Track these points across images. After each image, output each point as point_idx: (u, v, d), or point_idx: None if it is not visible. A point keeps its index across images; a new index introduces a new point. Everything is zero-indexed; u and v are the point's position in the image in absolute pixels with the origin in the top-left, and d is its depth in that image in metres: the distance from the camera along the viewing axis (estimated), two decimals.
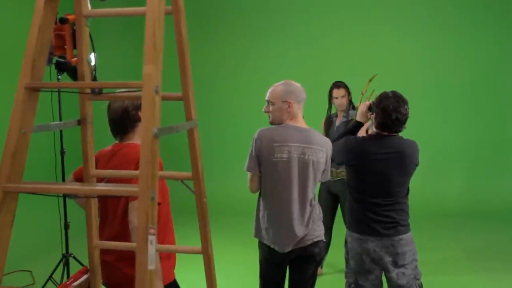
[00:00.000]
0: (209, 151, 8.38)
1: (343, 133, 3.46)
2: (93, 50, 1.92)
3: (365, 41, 7.94)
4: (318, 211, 3.19)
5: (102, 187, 1.65)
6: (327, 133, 4.81)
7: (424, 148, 7.74)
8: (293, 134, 3.04)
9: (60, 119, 4.25)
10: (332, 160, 3.25)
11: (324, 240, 3.23)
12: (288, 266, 3.27)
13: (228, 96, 8.41)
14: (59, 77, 4.05)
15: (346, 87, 4.72)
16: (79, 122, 1.89)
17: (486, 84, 7.85)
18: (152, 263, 1.38)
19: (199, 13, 8.30)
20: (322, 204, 4.94)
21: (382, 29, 7.94)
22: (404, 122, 3.18)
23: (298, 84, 3.18)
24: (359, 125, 3.43)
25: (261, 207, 3.17)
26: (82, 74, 1.84)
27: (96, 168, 2.44)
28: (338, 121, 4.77)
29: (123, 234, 2.27)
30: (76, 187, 1.67)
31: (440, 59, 7.87)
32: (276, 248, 3.10)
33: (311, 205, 3.12)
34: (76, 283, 2.20)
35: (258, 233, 3.22)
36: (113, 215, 2.40)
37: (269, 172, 3.06)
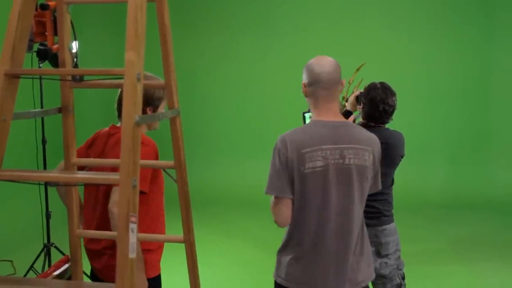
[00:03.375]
0: (194, 140, 8.36)
1: None
2: (75, 38, 1.90)
3: (352, 31, 7.94)
4: (366, 239, 2.37)
5: (82, 175, 1.64)
6: None
7: (408, 139, 7.84)
8: (324, 133, 2.23)
9: (42, 107, 4.21)
10: None
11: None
12: None
13: (211, 85, 8.38)
14: (41, 64, 3.99)
15: None
16: (60, 110, 1.87)
17: (470, 77, 7.89)
18: (133, 251, 1.38)
19: (183, 2, 8.24)
20: None
21: (370, 19, 7.94)
22: (392, 113, 3.19)
23: (318, 58, 2.33)
24: (349, 114, 3.41)
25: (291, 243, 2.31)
26: (63, 61, 1.82)
27: (93, 149, 2.43)
28: None
29: (106, 222, 2.25)
30: (56, 174, 1.65)
31: (426, 51, 7.89)
32: None
33: (359, 234, 2.29)
34: (56, 272, 2.20)
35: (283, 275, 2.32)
36: (94, 203, 2.38)
37: (303, 188, 2.21)
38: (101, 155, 2.35)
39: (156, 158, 2.27)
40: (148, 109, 2.36)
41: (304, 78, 2.30)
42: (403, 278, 3.36)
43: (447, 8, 7.84)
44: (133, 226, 1.37)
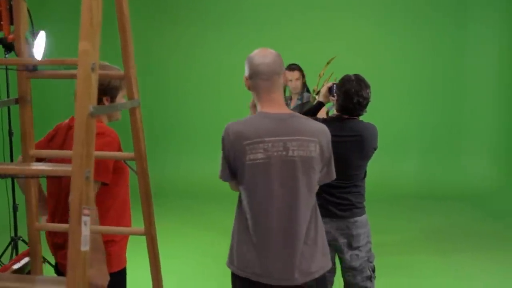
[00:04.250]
0: (167, 132, 8.33)
1: (304, 113, 3.43)
2: (32, 27, 1.86)
3: (328, 23, 7.98)
4: (320, 230, 2.35)
5: (36, 167, 1.60)
6: None
7: (382, 131, 7.89)
8: (267, 125, 2.23)
9: (7, 97, 4.13)
10: None
11: (328, 273, 2.53)
12: None
13: (187, 76, 8.35)
14: (7, 55, 3.92)
15: (300, 70, 4.71)
16: (17, 101, 1.83)
17: (444, 70, 7.98)
18: (86, 244, 1.36)
19: None
20: None
21: (347, 10, 7.98)
22: (365, 106, 3.17)
23: (258, 50, 2.35)
24: (321, 105, 3.44)
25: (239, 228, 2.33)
26: (19, 51, 1.78)
27: (54, 141, 2.39)
28: (292, 104, 4.76)
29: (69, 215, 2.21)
30: (9, 166, 1.61)
31: (401, 44, 7.95)
32: (261, 281, 2.26)
33: (311, 218, 2.29)
34: (16, 266, 2.16)
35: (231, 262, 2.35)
36: (58, 196, 2.34)
37: (247, 180, 2.24)
38: (61, 147, 2.31)
39: (119, 149, 2.23)
40: (105, 98, 2.32)
41: (245, 72, 2.31)
42: (373, 271, 3.36)
43: (423, 5, 7.91)
44: (86, 219, 1.35)
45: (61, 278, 1.40)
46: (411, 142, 8.16)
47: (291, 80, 4.69)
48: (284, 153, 2.18)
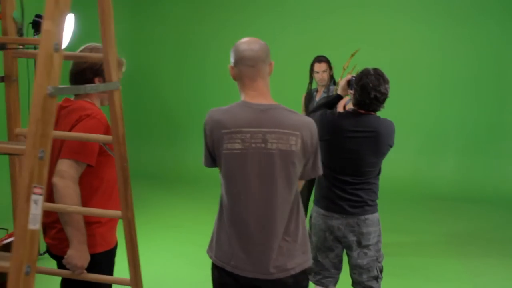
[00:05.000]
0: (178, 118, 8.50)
1: (321, 105, 3.35)
2: (22, 7, 1.88)
3: (361, 19, 7.86)
4: (301, 227, 2.29)
5: None
6: (307, 108, 4.76)
7: (420, 129, 7.79)
8: (247, 115, 2.18)
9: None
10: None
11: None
12: None
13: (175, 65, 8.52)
14: None
15: (327, 62, 4.65)
16: (3, 79, 1.86)
17: (486, 67, 7.71)
18: (36, 223, 1.37)
19: None
20: None
21: (384, 5, 7.82)
22: (383, 101, 3.06)
23: (243, 39, 2.27)
24: (339, 98, 3.33)
25: (219, 217, 2.31)
26: (5, 30, 1.81)
27: None
28: (318, 96, 4.71)
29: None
30: None
31: (442, 40, 7.73)
32: (235, 272, 2.24)
33: (291, 213, 2.23)
34: (6, 241, 2.21)
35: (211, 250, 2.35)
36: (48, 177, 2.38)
37: (224, 170, 2.21)
38: (54, 127, 2.34)
39: (106, 132, 2.24)
40: (97, 79, 2.34)
41: (231, 61, 2.24)
42: (381, 271, 3.27)
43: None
44: (37, 198, 1.36)
45: (7, 254, 1.42)
46: (449, 142, 7.94)
47: (318, 72, 4.64)
48: (262, 145, 2.12)
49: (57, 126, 2.33)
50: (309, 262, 2.31)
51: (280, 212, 2.17)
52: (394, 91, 7.75)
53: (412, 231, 5.92)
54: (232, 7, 8.24)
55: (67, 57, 1.62)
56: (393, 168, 7.94)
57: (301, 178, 2.28)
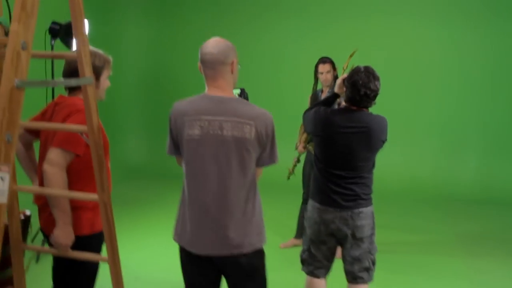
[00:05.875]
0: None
1: (317, 103, 3.49)
2: (9, 12, 2.11)
3: (378, 19, 7.97)
4: (257, 210, 2.49)
5: None
6: None
7: (440, 130, 7.81)
8: (206, 105, 2.40)
9: None
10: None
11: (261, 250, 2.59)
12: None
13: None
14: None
15: (331, 63, 4.78)
16: None
17: (506, 69, 7.68)
18: (3, 197, 1.58)
19: None
20: (305, 175, 5.09)
21: (400, 9, 7.90)
22: (374, 98, 3.18)
23: (209, 40, 2.50)
24: (336, 96, 3.45)
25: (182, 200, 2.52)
26: None
27: (45, 116, 2.66)
28: (323, 97, 4.85)
29: None
30: None
31: (463, 41, 7.76)
32: (194, 251, 2.45)
33: (246, 196, 2.43)
34: None
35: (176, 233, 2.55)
36: (41, 160, 2.60)
37: (185, 154, 2.43)
38: (50, 120, 2.58)
39: None
40: None
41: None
42: (374, 263, 3.38)
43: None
44: (3, 175, 1.57)
45: None
46: (470, 143, 7.94)
47: (322, 73, 4.78)
48: (219, 132, 2.33)
49: (51, 120, 2.56)
50: (262, 243, 2.50)
51: (235, 194, 2.38)
52: (415, 91, 7.90)
53: (424, 231, 5.98)
54: (252, 10, 8.46)
55: (35, 55, 1.83)
56: (413, 168, 8.01)
57: (259, 165, 2.49)
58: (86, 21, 4.02)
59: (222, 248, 2.39)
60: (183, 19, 8.84)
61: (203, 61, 2.43)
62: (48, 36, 4.42)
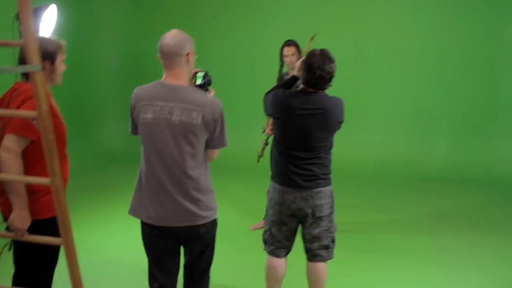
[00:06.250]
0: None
1: (277, 86, 3.56)
2: None
3: (353, 4, 8.02)
4: (208, 187, 2.78)
5: None
6: None
7: (412, 112, 7.91)
8: (160, 91, 2.66)
9: None
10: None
11: (215, 220, 2.88)
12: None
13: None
14: None
15: (296, 45, 4.84)
16: None
17: (479, 50, 7.78)
18: None
19: None
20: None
21: None
22: (329, 80, 3.24)
23: (168, 32, 2.73)
24: (295, 79, 3.51)
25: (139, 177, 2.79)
26: None
27: (4, 102, 2.70)
28: None
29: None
30: None
31: (435, 22, 7.85)
32: (155, 223, 2.74)
33: (197, 176, 2.70)
34: None
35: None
36: None
37: (141, 135, 2.73)
38: (7, 107, 2.62)
39: (49, 110, 2.50)
40: (44, 63, 2.62)
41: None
42: (333, 241, 3.48)
43: None
44: None
45: None
46: (442, 124, 8.07)
47: (287, 56, 4.84)
48: (169, 116, 2.60)
49: (8, 106, 2.60)
50: (215, 215, 2.84)
51: (186, 173, 2.66)
52: (388, 74, 7.96)
53: (394, 210, 6.10)
54: None
55: None
56: (386, 150, 8.12)
57: (211, 147, 2.78)
58: (53, 6, 4.03)
59: (180, 221, 2.70)
60: (159, 2, 8.79)
61: (161, 52, 2.67)
62: (17, 22, 4.41)
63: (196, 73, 2.87)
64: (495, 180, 7.37)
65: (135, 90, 2.73)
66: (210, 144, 2.74)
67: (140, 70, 8.80)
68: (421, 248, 4.90)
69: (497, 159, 7.78)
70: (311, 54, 3.25)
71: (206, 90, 2.89)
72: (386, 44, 8.00)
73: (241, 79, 8.28)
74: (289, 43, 4.84)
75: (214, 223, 2.85)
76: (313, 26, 7.79)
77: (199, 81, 2.90)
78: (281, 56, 4.91)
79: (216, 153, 2.85)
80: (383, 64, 8.07)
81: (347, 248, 4.78)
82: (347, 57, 7.99)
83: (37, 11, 4.17)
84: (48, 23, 4.23)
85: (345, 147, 8.10)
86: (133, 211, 2.78)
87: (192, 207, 2.69)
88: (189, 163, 2.65)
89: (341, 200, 6.32)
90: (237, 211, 5.85)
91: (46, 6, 4.15)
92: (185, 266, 2.98)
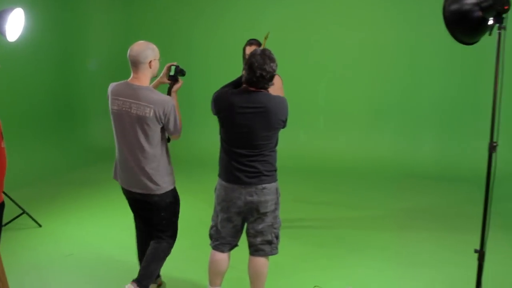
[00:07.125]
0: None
1: (226, 85, 3.62)
2: None
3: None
4: (165, 166, 3.55)
5: None
6: None
7: (398, 111, 7.90)
8: (124, 89, 3.42)
9: None
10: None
11: (172, 189, 3.62)
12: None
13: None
14: None
15: (258, 44, 4.89)
16: None
17: (461, 47, 7.64)
18: None
19: None
20: None
21: None
22: (270, 79, 3.31)
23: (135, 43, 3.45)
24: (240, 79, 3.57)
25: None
26: None
27: None
28: None
29: None
30: None
31: (415, 20, 7.83)
32: (124, 187, 3.62)
33: (151, 157, 3.46)
34: None
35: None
36: None
37: (112, 121, 3.52)
38: None
39: None
40: None
41: None
42: (277, 237, 3.54)
43: None
44: None
45: None
46: (426, 122, 8.06)
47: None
48: (129, 110, 3.35)
49: None
50: (169, 187, 3.58)
51: (142, 153, 3.43)
52: (371, 72, 7.97)
53: (368, 207, 6.13)
54: None
55: None
56: (372, 149, 8.13)
57: (169, 133, 3.52)
58: (19, 10, 4.04)
59: (138, 189, 3.50)
60: (147, 3, 8.90)
61: (129, 59, 3.39)
62: None
63: (170, 66, 3.59)
64: (478, 178, 7.25)
65: (109, 85, 3.49)
66: (168, 132, 3.49)
67: (127, 69, 8.88)
68: (381, 244, 4.92)
69: (481, 156, 7.62)
70: (252, 54, 3.31)
71: (177, 80, 3.62)
72: (369, 42, 8.00)
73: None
74: (251, 42, 4.90)
75: (166, 194, 3.55)
76: (298, 22, 7.94)
77: (172, 72, 3.60)
78: (244, 55, 4.97)
79: (176, 136, 3.57)
80: (367, 61, 8.08)
81: (308, 244, 4.83)
82: (330, 54, 8.06)
83: (2, 14, 4.17)
84: (14, 26, 4.23)
85: (330, 145, 8.17)
86: (114, 176, 3.67)
87: (144, 179, 3.45)
88: (146, 146, 3.40)
89: (319, 197, 6.44)
90: (201, 205, 5.88)
91: (11, 9, 4.13)
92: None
